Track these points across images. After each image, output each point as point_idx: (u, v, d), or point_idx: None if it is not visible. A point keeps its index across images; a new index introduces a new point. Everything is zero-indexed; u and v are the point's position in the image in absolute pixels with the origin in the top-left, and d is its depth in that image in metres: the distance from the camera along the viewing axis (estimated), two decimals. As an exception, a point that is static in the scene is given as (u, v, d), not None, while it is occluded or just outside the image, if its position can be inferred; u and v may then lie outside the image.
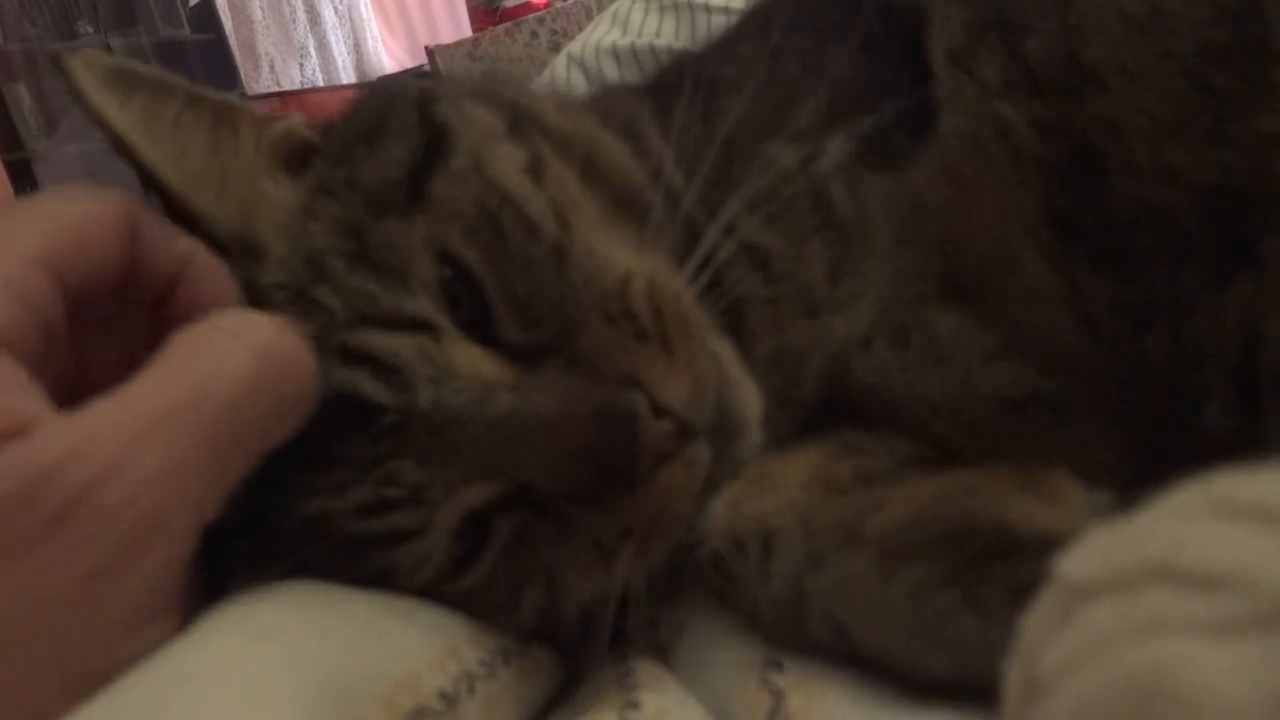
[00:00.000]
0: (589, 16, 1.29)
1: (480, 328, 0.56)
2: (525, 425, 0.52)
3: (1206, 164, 0.51)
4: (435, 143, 0.60)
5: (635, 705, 0.55)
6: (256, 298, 0.55)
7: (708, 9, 1.19)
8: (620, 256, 0.59)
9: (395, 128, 0.62)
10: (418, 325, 0.54)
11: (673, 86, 0.70)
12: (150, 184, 0.56)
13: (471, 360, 0.54)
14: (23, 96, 5.09)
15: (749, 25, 0.80)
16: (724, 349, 0.62)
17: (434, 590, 0.56)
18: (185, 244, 0.53)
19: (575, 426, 0.52)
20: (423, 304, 0.54)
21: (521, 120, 0.64)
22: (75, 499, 0.39)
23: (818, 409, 0.65)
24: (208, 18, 5.69)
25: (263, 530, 0.53)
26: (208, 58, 5.81)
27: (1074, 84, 0.55)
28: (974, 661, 0.46)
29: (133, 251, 0.50)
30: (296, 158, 0.63)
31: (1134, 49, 0.53)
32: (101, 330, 0.51)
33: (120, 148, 0.55)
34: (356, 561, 0.54)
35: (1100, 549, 0.34)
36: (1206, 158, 0.51)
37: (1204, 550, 0.30)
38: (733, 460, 0.59)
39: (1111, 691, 0.29)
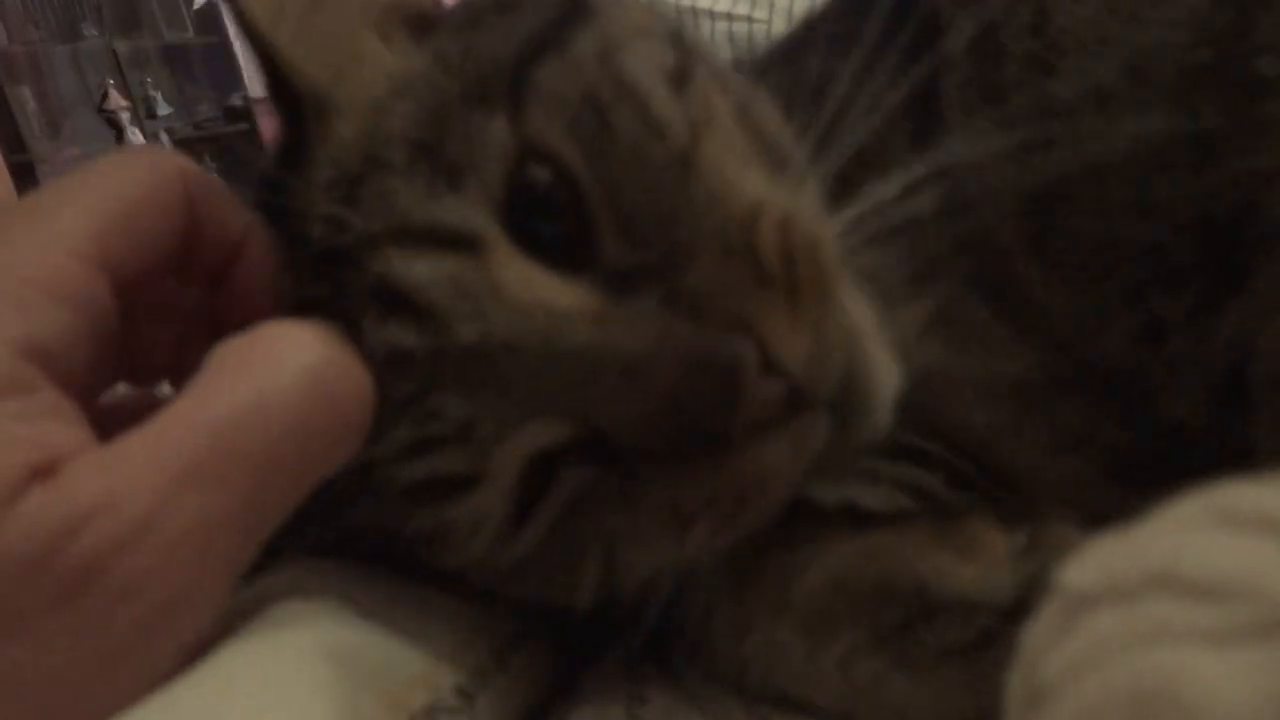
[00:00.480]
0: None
1: (570, 246, 0.47)
2: (603, 364, 0.44)
3: (1192, 195, 0.51)
4: (570, 18, 0.51)
5: (641, 700, 0.53)
6: (300, 208, 0.48)
7: (712, 15, 1.19)
8: (758, 186, 0.49)
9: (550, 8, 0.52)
10: (455, 242, 0.45)
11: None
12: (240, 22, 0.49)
13: (532, 284, 0.45)
14: (27, 99, 5.11)
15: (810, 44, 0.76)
16: (863, 313, 0.53)
17: (485, 564, 0.50)
18: (245, 215, 0.48)
19: (665, 370, 0.43)
20: (466, 209, 0.45)
21: (682, 37, 0.55)
22: (97, 564, 0.34)
23: None
24: (211, 21, 5.70)
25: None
26: (211, 61, 5.83)
27: (1046, 111, 0.55)
28: (919, 716, 0.46)
29: (189, 225, 0.45)
30: (416, 25, 0.53)
31: (1107, 73, 0.53)
32: (153, 311, 0.46)
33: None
34: (410, 521, 0.48)
35: (1101, 558, 0.34)
36: (1192, 189, 0.51)
37: (1206, 559, 0.30)
38: (849, 446, 0.51)
39: (1113, 699, 0.29)
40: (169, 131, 5.73)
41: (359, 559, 0.52)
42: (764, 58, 0.77)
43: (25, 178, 4.49)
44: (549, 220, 0.46)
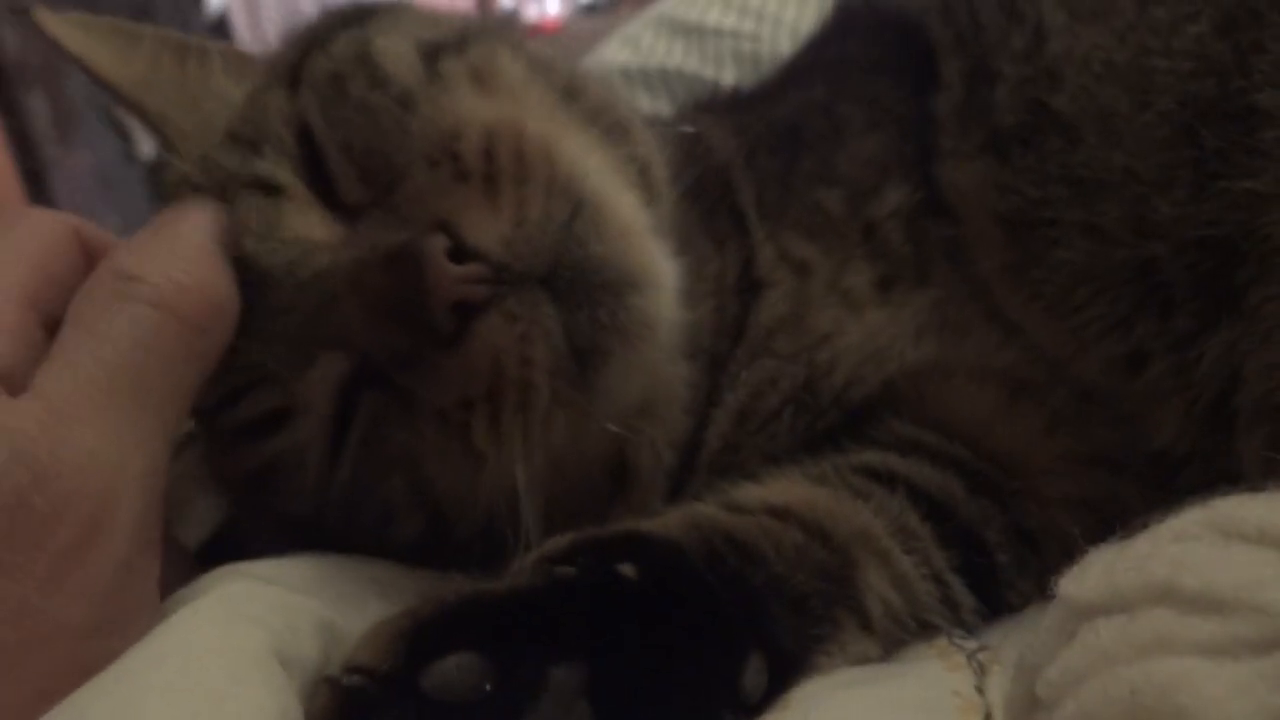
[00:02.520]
0: (601, 39, 1.30)
1: (327, 193, 0.55)
2: (333, 281, 0.51)
3: (1192, 217, 0.52)
4: (344, 22, 0.62)
5: None
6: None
7: (717, 33, 1.20)
8: (486, 110, 0.55)
9: (335, 18, 0.64)
10: (260, 185, 0.54)
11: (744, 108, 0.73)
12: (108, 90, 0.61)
13: (306, 224, 0.53)
14: (39, 105, 5.13)
15: (811, 68, 0.79)
16: (626, 207, 0.55)
17: (317, 500, 0.54)
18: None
19: (369, 276, 0.49)
20: (269, 165, 0.55)
21: (485, 31, 0.64)
22: (21, 500, 0.39)
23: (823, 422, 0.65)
24: (223, 29, 5.74)
25: None
26: (222, 70, 5.86)
27: (1040, 134, 0.57)
28: None
29: (86, 262, 0.51)
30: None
31: (1112, 95, 0.55)
32: None
33: (79, 63, 0.59)
34: (242, 461, 0.54)
35: (1101, 568, 0.34)
36: (1192, 211, 0.52)
37: (1206, 572, 0.31)
38: (613, 331, 0.51)
39: (1113, 708, 0.29)
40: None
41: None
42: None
43: (37, 183, 4.51)
44: (313, 173, 0.55)
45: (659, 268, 0.55)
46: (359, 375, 0.52)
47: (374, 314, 0.49)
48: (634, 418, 0.56)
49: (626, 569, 0.44)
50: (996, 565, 0.60)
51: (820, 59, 0.78)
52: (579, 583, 0.44)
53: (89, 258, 0.51)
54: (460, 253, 0.48)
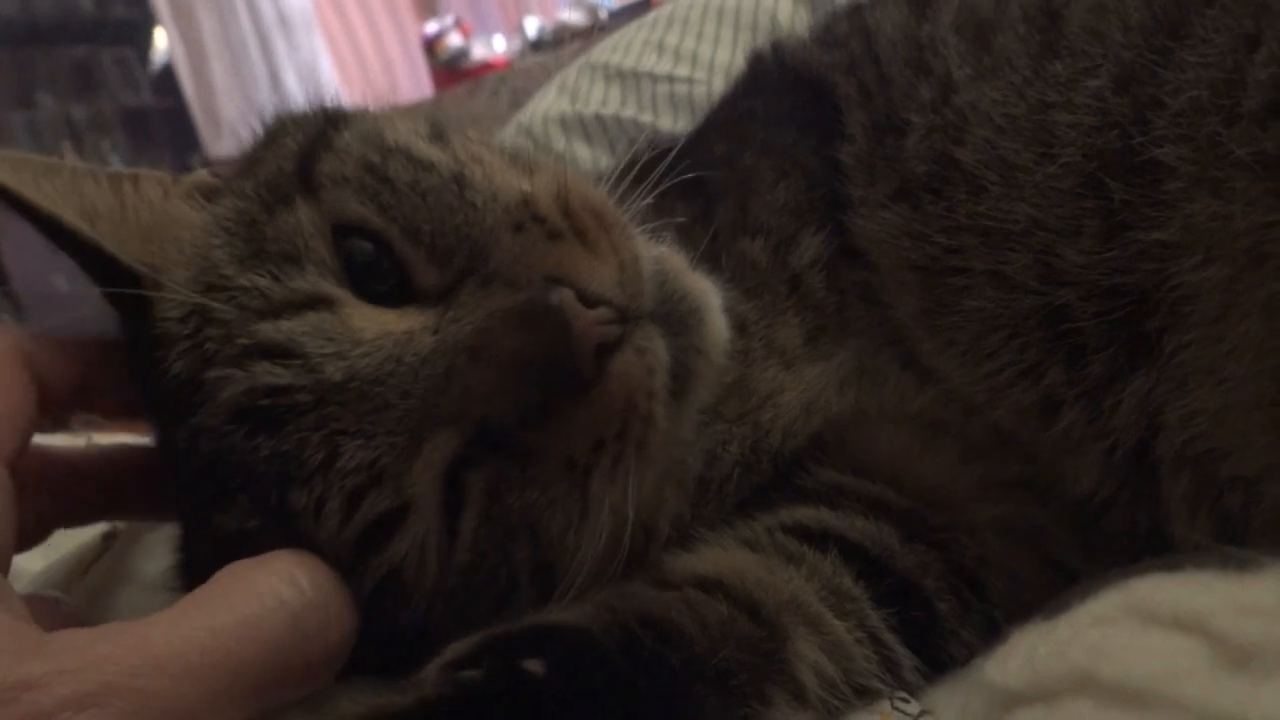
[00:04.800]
0: (548, 75, 1.31)
1: (401, 287, 0.53)
2: (450, 359, 0.49)
3: (1101, 264, 0.52)
4: (328, 127, 0.59)
5: None
6: (162, 337, 0.53)
7: (653, 78, 1.20)
8: (526, 180, 0.56)
9: (295, 126, 0.62)
10: (311, 302, 0.51)
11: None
12: (52, 235, 0.55)
13: (380, 323, 0.51)
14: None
15: (724, 123, 0.81)
16: (659, 248, 0.58)
17: (440, 590, 0.52)
18: (73, 348, 0.55)
19: (502, 336, 0.49)
20: (314, 280, 0.52)
21: (438, 121, 0.64)
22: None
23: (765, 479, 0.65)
24: (168, 84, 5.70)
25: None
26: (169, 123, 5.82)
27: (948, 184, 0.58)
28: None
29: (35, 381, 0.51)
30: (211, 195, 0.61)
31: (1013, 148, 0.56)
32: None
33: (17, 204, 0.54)
34: (368, 576, 0.50)
35: (1025, 653, 0.33)
36: (1101, 259, 0.52)
37: (1123, 661, 0.30)
38: (699, 352, 0.55)
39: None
40: (128, 194, 5.67)
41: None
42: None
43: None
44: (381, 279, 0.53)
45: (714, 292, 0.58)
46: (464, 454, 0.51)
47: (509, 373, 0.49)
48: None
49: (534, 665, 0.43)
50: (937, 615, 0.59)
51: (731, 115, 0.79)
52: (486, 686, 0.43)
53: (41, 374, 0.51)
54: (584, 300, 0.49)
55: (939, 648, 0.58)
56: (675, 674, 0.47)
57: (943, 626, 0.59)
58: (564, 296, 0.48)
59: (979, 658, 0.54)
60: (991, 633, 0.58)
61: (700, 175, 0.66)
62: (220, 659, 0.41)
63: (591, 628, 0.47)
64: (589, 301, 0.50)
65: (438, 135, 0.59)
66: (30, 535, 0.50)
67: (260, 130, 0.66)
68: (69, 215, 0.55)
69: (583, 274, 0.51)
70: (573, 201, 0.55)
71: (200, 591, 0.44)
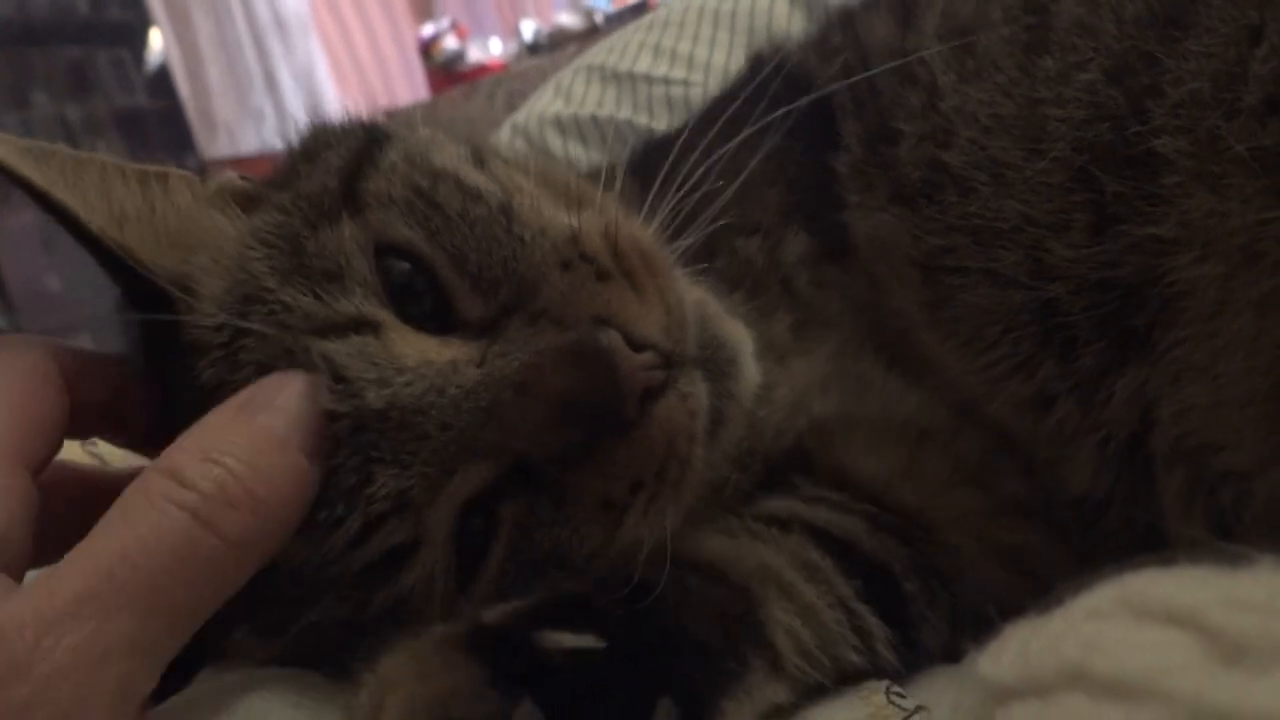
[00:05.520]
0: (544, 78, 1.31)
1: (441, 314, 0.53)
2: (494, 393, 0.49)
3: (1090, 258, 0.53)
4: (372, 144, 0.59)
5: None
6: (193, 345, 0.52)
7: (649, 80, 1.20)
8: (573, 216, 0.56)
9: (337, 139, 0.61)
10: (355, 325, 0.50)
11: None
12: (81, 237, 0.54)
13: (423, 350, 0.50)
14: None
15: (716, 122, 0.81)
16: (698, 291, 0.59)
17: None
18: (112, 367, 0.54)
19: (550, 374, 0.48)
20: (358, 302, 0.51)
21: (472, 139, 0.64)
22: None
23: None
24: (164, 85, 5.69)
25: (263, 594, 0.48)
26: (165, 125, 5.81)
27: (939, 188, 0.59)
28: None
29: (69, 394, 0.50)
30: (243, 202, 0.60)
31: (1001, 147, 0.56)
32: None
33: (42, 201, 0.53)
34: (369, 606, 0.50)
35: (1018, 648, 0.33)
36: (1090, 253, 0.53)
37: (1117, 655, 0.30)
38: (733, 397, 0.56)
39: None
40: (122, 195, 5.66)
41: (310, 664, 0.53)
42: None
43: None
44: (416, 301, 0.52)
45: (748, 339, 0.59)
46: (496, 486, 0.51)
47: (553, 411, 0.48)
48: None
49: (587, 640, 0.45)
50: (905, 595, 0.60)
51: (732, 116, 0.80)
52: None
53: (71, 388, 0.50)
54: (631, 344, 0.50)
55: (910, 626, 0.59)
56: (662, 633, 0.49)
57: (911, 607, 0.60)
58: (612, 339, 0.49)
59: (973, 652, 0.55)
60: (959, 628, 0.61)
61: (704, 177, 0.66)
62: (130, 579, 0.41)
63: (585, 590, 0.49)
64: (636, 345, 0.50)
65: (479, 160, 0.59)
66: (47, 550, 0.49)
67: (297, 141, 0.64)
68: (99, 219, 0.53)
69: (631, 317, 0.51)
70: (621, 242, 0.55)
71: (97, 526, 0.43)
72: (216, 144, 5.76)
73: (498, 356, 0.50)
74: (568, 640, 0.46)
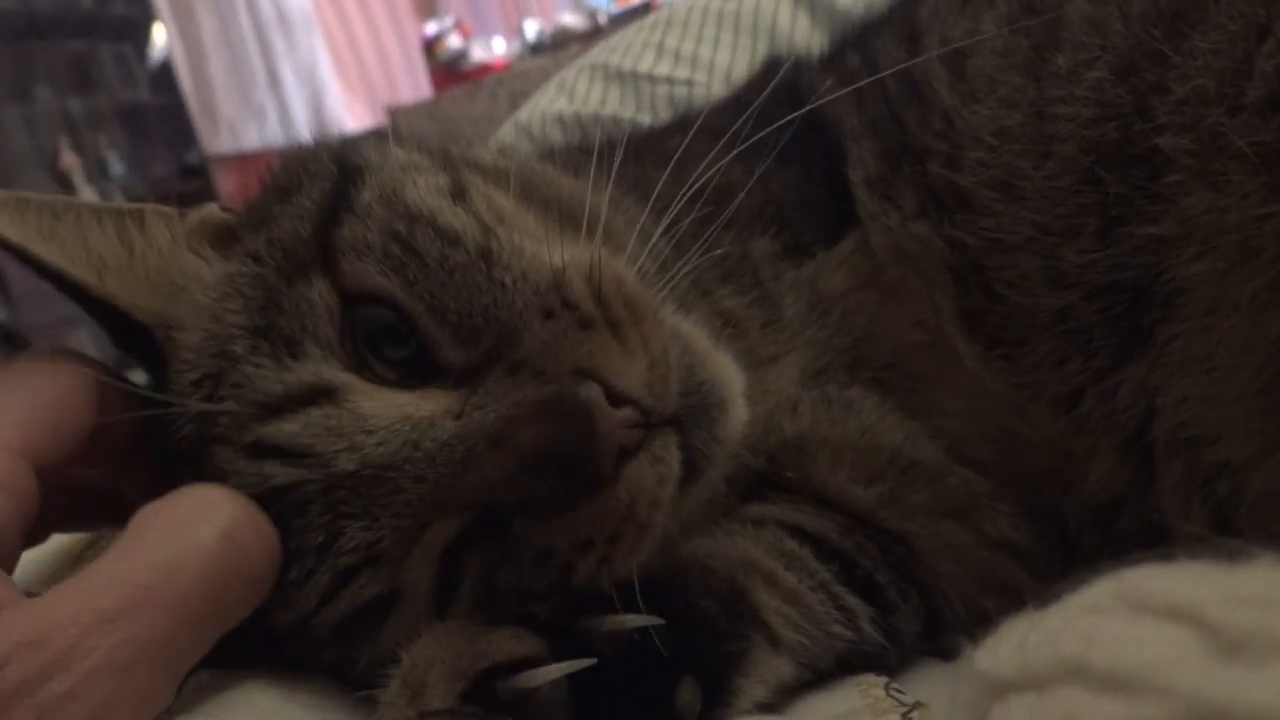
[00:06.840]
0: (547, 78, 1.31)
1: (422, 360, 0.52)
2: (471, 445, 0.48)
3: (1099, 263, 0.53)
4: (346, 183, 0.57)
5: None
6: (177, 393, 0.53)
7: (652, 79, 1.20)
8: (556, 253, 0.55)
9: (310, 176, 0.59)
10: (312, 395, 0.50)
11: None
12: (63, 286, 0.54)
13: (394, 405, 0.50)
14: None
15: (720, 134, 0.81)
16: (687, 326, 0.58)
17: None
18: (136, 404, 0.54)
19: (526, 428, 0.47)
20: (316, 368, 0.51)
21: (451, 158, 0.62)
22: (24, 689, 0.39)
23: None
24: (166, 80, 5.69)
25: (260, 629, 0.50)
26: (167, 120, 5.81)
27: (964, 203, 0.60)
28: None
29: (97, 424, 0.51)
30: (221, 238, 0.60)
31: (1010, 158, 0.56)
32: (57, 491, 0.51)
33: (21, 257, 0.53)
34: (355, 664, 0.52)
35: (1016, 642, 0.33)
36: (1099, 257, 0.53)
37: (1115, 649, 0.30)
38: (719, 443, 0.55)
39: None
40: (123, 190, 5.68)
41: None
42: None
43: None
44: (397, 346, 0.52)
45: (738, 377, 0.57)
46: (464, 536, 0.51)
47: (526, 463, 0.48)
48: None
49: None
50: (877, 584, 0.62)
51: (735, 119, 0.80)
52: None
53: (103, 409, 0.51)
54: (611, 399, 0.48)
55: (887, 609, 0.61)
56: (676, 616, 0.51)
57: (885, 593, 0.61)
58: (592, 394, 0.48)
59: (969, 648, 0.56)
60: (940, 629, 0.63)
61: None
62: (166, 590, 0.43)
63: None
64: (616, 400, 0.49)
65: (459, 192, 0.57)
66: (31, 536, 0.50)
67: (271, 178, 0.63)
68: (78, 270, 0.53)
69: (613, 370, 0.50)
70: (606, 286, 0.53)
71: (125, 536, 0.45)
72: (219, 139, 5.75)
73: (475, 409, 0.49)
74: (631, 620, 0.48)
